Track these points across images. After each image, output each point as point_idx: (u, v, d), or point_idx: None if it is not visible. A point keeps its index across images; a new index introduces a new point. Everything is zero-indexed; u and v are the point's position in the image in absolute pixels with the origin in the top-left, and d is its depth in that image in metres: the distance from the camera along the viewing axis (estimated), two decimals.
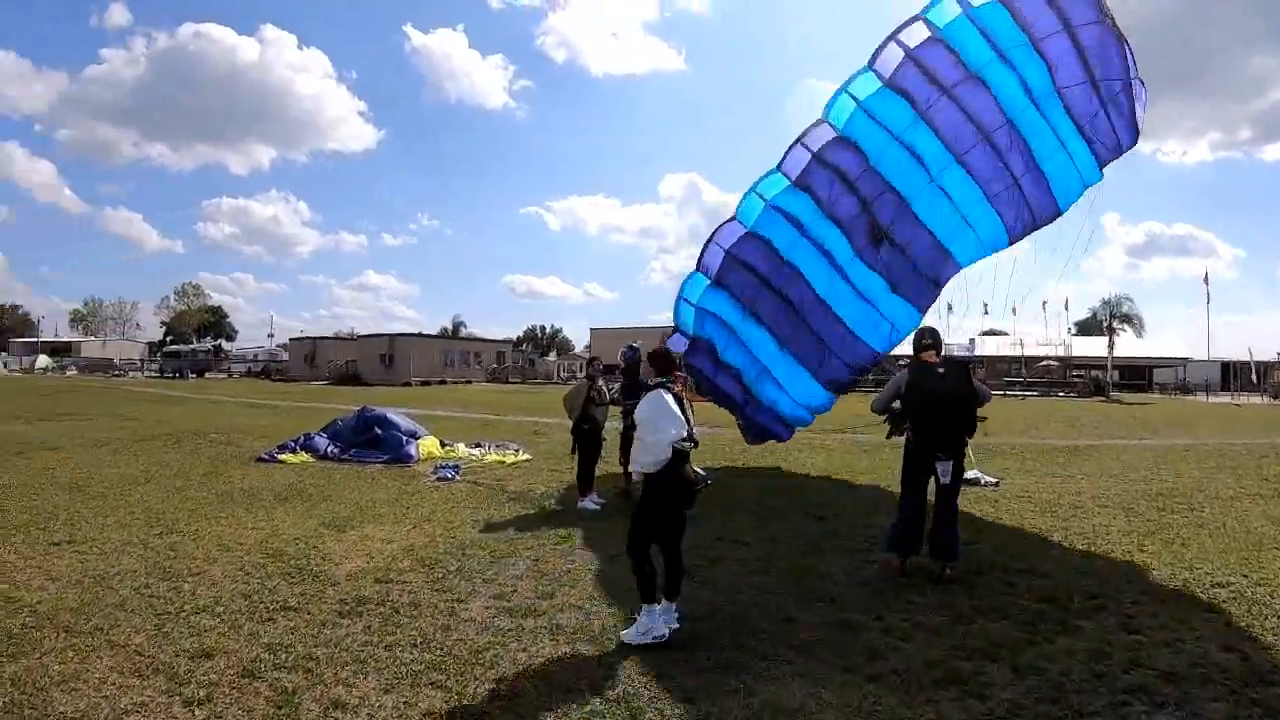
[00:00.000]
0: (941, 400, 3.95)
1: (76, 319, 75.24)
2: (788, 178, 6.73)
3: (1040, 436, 12.52)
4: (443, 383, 38.18)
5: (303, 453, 8.87)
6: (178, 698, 2.79)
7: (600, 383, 6.04)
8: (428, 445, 9.07)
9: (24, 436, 10.94)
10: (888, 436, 4.45)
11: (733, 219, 7.12)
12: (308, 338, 51.61)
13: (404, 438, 8.94)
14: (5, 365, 48.88)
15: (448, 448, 9.36)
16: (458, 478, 7.49)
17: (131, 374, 46.36)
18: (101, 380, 36.79)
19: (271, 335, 63.97)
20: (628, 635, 3.23)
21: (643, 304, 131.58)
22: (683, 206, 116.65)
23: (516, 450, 9.57)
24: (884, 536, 4.40)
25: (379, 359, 40.31)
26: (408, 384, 35.90)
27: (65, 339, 66.86)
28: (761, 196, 6.89)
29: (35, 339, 64.19)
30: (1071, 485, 7.45)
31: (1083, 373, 35.59)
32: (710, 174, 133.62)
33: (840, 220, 6.53)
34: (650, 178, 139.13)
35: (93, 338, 67.78)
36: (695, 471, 3.29)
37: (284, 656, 3.18)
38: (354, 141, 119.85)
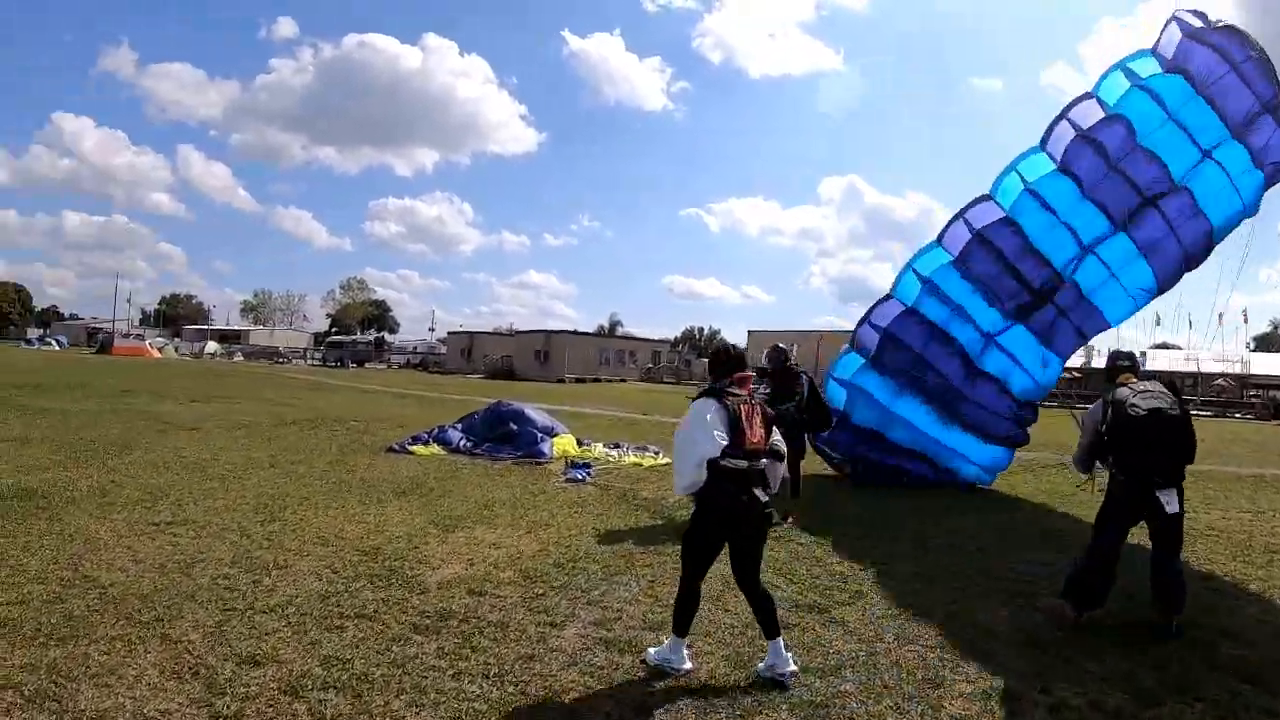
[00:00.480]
0: (1159, 424, 3.98)
1: (247, 309, 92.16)
2: (948, 252, 8.19)
3: (1221, 463, 12.77)
4: (597, 380, 43.00)
5: (434, 445, 9.81)
6: (207, 709, 2.93)
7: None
8: (563, 443, 9.78)
9: (171, 416, 13.27)
10: (1079, 487, 4.87)
11: (889, 297, 8.60)
12: (465, 332, 59.67)
13: (538, 434, 9.71)
14: (177, 349, 60.73)
15: (584, 447, 10.10)
16: (588, 480, 8.06)
17: (295, 361, 56.17)
18: (265, 366, 45.40)
19: (433, 329, 73.63)
20: (650, 654, 3.45)
21: (801, 307, 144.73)
22: (842, 209, 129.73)
23: (656, 453, 10.04)
24: (1064, 579, 4.36)
25: (534, 355, 45.81)
26: (562, 380, 40.67)
27: (235, 327, 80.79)
28: (918, 273, 8.35)
29: (206, 326, 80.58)
30: (1264, 523, 7.56)
31: (1260, 393, 36.81)
32: (870, 176, 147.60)
33: (998, 295, 7.90)
34: (809, 180, 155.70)
35: (261, 327, 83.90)
36: (756, 497, 3.27)
37: (337, 674, 3.28)
38: (515, 144, 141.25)
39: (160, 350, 56.20)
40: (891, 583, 4.99)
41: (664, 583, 4.67)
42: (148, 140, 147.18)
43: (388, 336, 75.99)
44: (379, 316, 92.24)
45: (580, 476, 8.18)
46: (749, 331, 51.84)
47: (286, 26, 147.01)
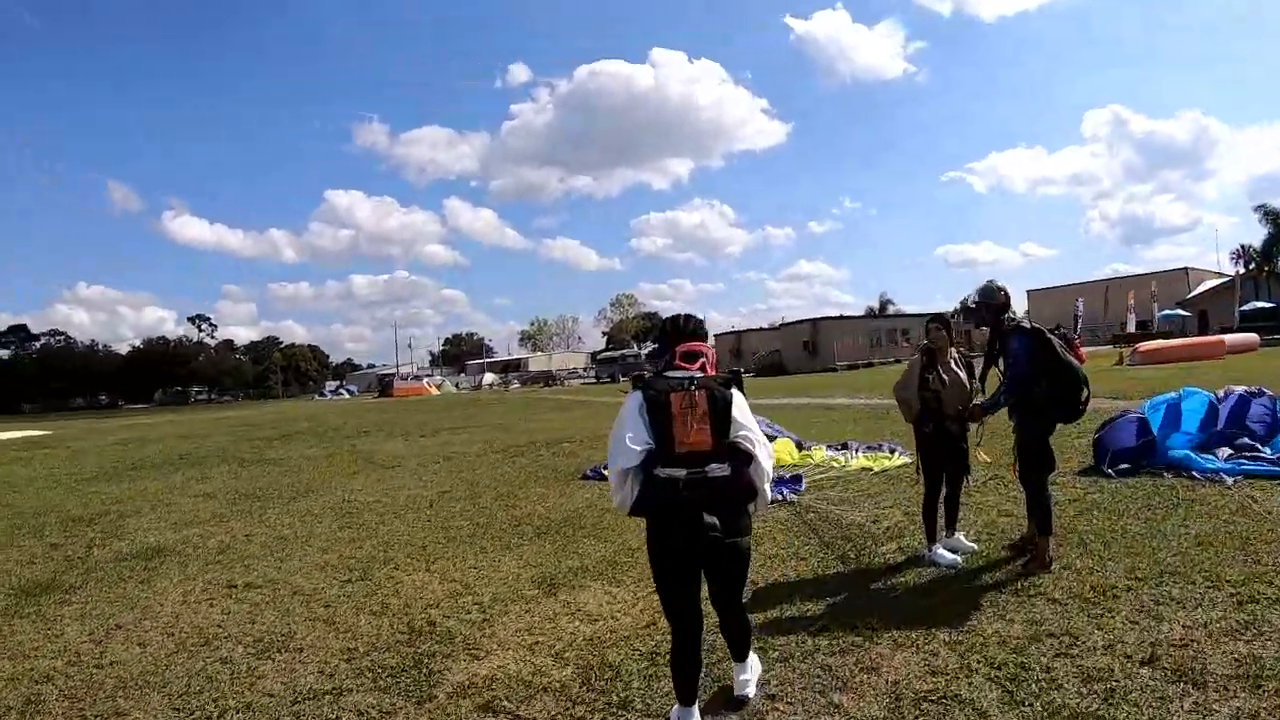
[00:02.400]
0: None
1: (525, 338, 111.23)
2: None
3: None
4: (869, 365, 45.36)
5: None
6: None
7: (953, 355, 5.54)
8: (779, 451, 9.55)
9: (382, 455, 15.02)
10: None
11: None
12: (732, 332, 68.54)
13: None
14: (457, 385, 75.02)
15: (805, 451, 10.13)
16: (793, 497, 7.70)
17: (568, 382, 66.49)
18: (531, 391, 54.20)
19: (710, 334, 79.92)
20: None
21: (1083, 259, 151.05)
22: (1111, 143, 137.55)
23: (893, 451, 9.85)
24: None
25: (802, 346, 50.38)
26: (832, 369, 44.48)
27: (515, 357, 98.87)
28: None
29: (485, 359, 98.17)
30: None
31: None
32: (1135, 102, 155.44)
33: None
34: (1068, 119, 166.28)
35: (539, 353, 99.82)
36: (702, 520, 2.95)
37: None
38: (763, 139, 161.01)
39: (438, 387, 67.87)
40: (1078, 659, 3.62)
41: (817, 682, 3.57)
42: (414, 200, 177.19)
43: None
44: (652, 328, 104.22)
45: (783, 494, 7.76)
46: (1028, 292, 54.86)
47: (519, 72, 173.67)
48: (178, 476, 13.46)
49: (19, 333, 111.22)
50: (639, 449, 2.96)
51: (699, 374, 3.10)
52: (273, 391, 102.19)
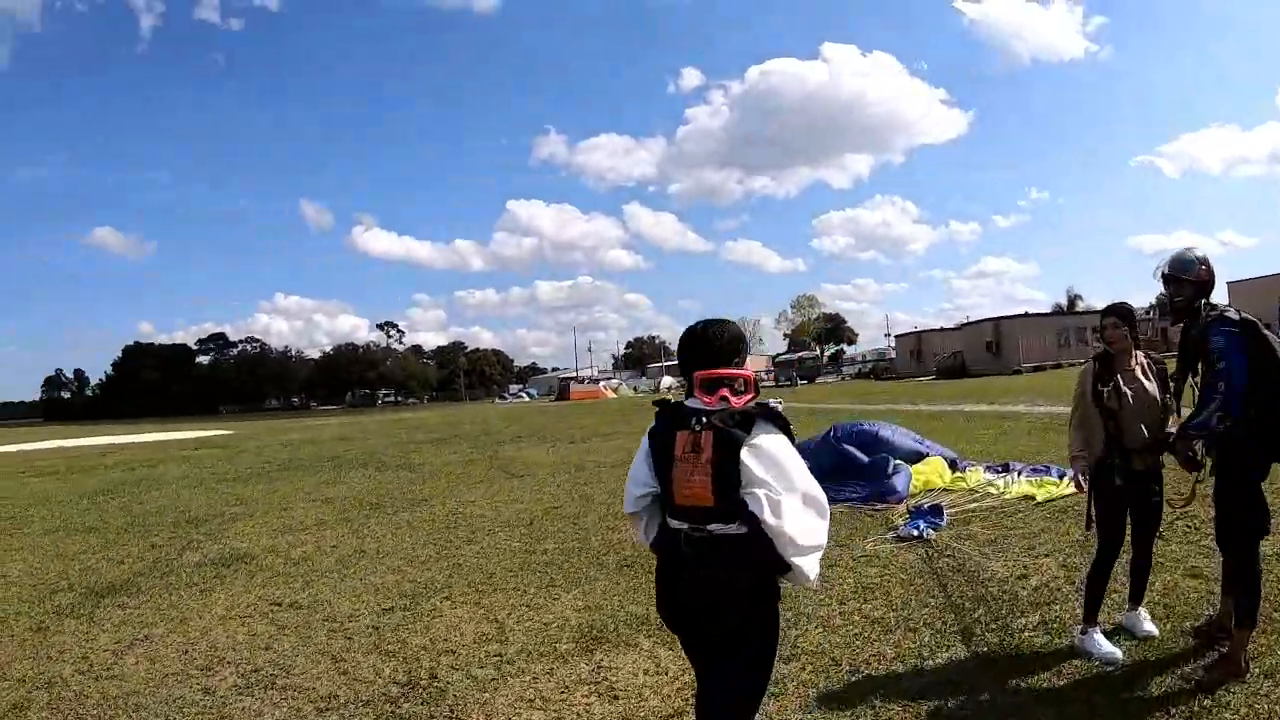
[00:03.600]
0: None
1: None
2: None
3: None
4: (1056, 366, 46.09)
5: None
6: None
7: (1139, 360, 4.43)
8: (927, 471, 9.39)
9: (519, 463, 15.60)
10: None
11: None
12: (912, 333, 70.88)
13: (890, 464, 9.23)
14: (635, 389, 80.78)
15: (958, 473, 9.56)
16: (932, 533, 7.12)
17: None
18: None
19: (887, 335, 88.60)
20: None
21: None
22: None
23: (1062, 476, 9.05)
24: None
25: (985, 347, 51.04)
26: (1017, 371, 45.45)
27: None
28: None
29: (664, 363, 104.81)
30: None
31: None
32: None
33: None
34: (1263, 91, 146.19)
35: None
36: (692, 585, 2.60)
37: None
38: (943, 130, 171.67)
39: (615, 391, 72.56)
40: None
41: None
42: (595, 207, 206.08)
43: (846, 348, 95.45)
44: (834, 330, 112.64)
45: (919, 529, 7.18)
46: (1228, 284, 51.39)
47: (691, 76, 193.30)
48: (312, 480, 14.53)
49: (218, 340, 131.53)
50: (639, 494, 2.73)
51: (717, 407, 2.57)
52: (458, 395, 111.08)
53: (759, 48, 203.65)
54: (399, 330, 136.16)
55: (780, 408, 2.60)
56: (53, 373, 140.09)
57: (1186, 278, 4.08)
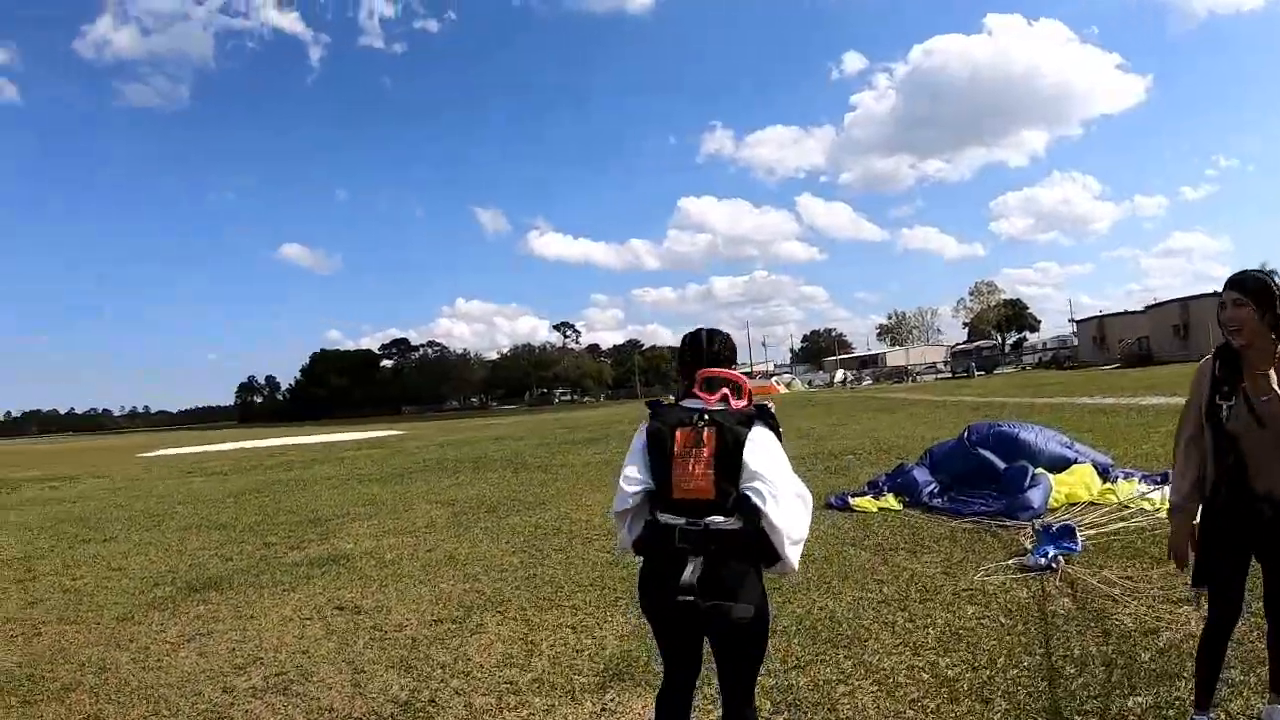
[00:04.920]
0: None
1: (883, 332, 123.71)
2: None
3: None
4: None
5: (889, 494, 9.58)
6: None
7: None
8: (1072, 482, 8.76)
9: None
10: None
11: None
12: (1094, 317, 69.51)
13: (1029, 474, 8.66)
14: (809, 383, 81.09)
15: (1108, 484, 8.85)
16: (1062, 564, 6.38)
17: (921, 377, 71.33)
18: (877, 388, 58.11)
19: (1071, 320, 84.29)
20: None
21: None
22: None
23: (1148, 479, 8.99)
24: None
25: (1173, 331, 49.76)
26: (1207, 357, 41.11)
27: (874, 352, 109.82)
28: None
29: (844, 356, 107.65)
30: None
31: None
32: None
33: None
34: None
35: (897, 347, 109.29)
36: (686, 581, 2.83)
37: None
38: (1121, 99, 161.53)
39: (787, 386, 72.67)
40: None
41: None
42: (767, 200, 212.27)
43: (1029, 336, 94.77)
44: (1015, 316, 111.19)
45: (1047, 555, 6.41)
46: None
47: (853, 61, 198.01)
48: (446, 481, 15.29)
49: (401, 345, 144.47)
50: (633, 490, 2.93)
51: (717, 406, 2.92)
52: (634, 393, 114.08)
53: (920, 25, 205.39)
54: (575, 330, 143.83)
55: (772, 409, 2.98)
56: (246, 379, 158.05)
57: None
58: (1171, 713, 3.68)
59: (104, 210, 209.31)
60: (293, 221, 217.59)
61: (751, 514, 2.82)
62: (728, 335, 3.18)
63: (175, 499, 15.30)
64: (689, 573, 2.80)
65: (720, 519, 2.82)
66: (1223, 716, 3.50)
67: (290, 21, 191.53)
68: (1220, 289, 3.19)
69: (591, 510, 10.49)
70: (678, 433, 2.88)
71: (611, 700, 4.47)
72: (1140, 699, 3.87)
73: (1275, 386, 2.97)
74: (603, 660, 5.07)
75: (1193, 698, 3.47)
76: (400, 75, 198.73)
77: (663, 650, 3.15)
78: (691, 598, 2.78)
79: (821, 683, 4.36)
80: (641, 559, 3.06)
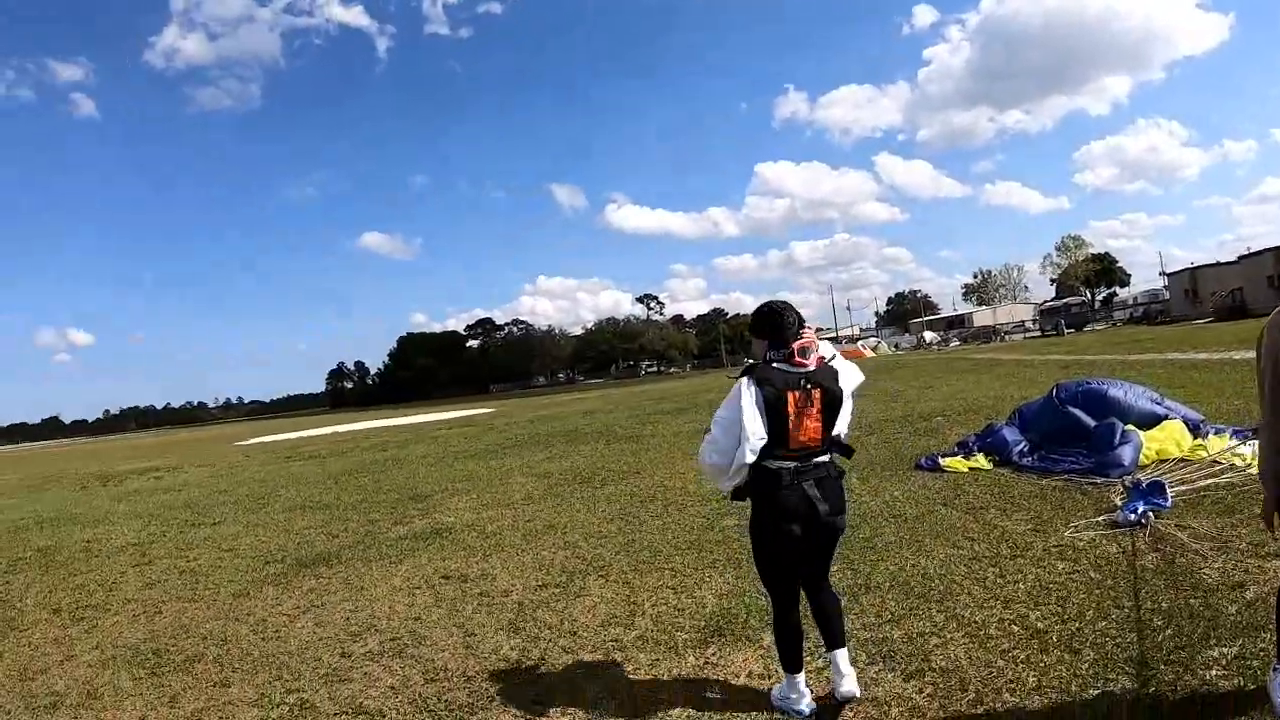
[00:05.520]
0: None
1: (969, 292, 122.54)
2: None
3: None
4: None
5: (979, 454, 9.61)
6: None
7: None
8: (1162, 438, 8.66)
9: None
10: None
11: None
12: (1185, 269, 68.38)
13: (1118, 431, 8.69)
14: (896, 346, 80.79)
15: (1199, 440, 8.63)
16: (1152, 519, 6.37)
17: (1009, 336, 71.07)
18: (965, 349, 58.32)
19: (1163, 273, 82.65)
20: (773, 694, 3.98)
21: None
22: None
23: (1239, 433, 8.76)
24: None
25: (1266, 281, 48.46)
26: None
27: (960, 312, 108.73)
28: None
29: (932, 317, 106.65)
30: None
31: None
32: None
33: None
34: None
35: (984, 307, 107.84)
36: (814, 503, 3.64)
37: None
38: (1203, 39, 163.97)
39: (874, 350, 72.26)
40: None
41: None
42: (844, 161, 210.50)
43: (1119, 291, 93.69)
44: (1105, 271, 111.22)
45: (1137, 511, 6.39)
46: None
47: (924, 14, 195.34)
48: (540, 454, 15.59)
49: (485, 324, 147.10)
50: (757, 446, 3.50)
51: (813, 368, 3.57)
52: (720, 362, 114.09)
53: None
54: (658, 302, 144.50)
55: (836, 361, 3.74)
56: (335, 366, 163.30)
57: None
58: (1255, 663, 3.69)
59: (186, 214, 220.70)
60: (372, 210, 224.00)
61: (843, 450, 3.76)
62: (793, 308, 3.82)
63: (277, 483, 16.00)
64: (819, 499, 3.57)
65: (824, 457, 3.63)
66: None
67: (354, 15, 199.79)
68: None
69: (685, 477, 10.57)
70: (789, 394, 3.50)
71: (714, 654, 4.59)
72: (1225, 649, 3.88)
73: None
74: (703, 618, 5.17)
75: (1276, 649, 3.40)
76: (468, 59, 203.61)
77: (785, 571, 3.78)
78: (831, 517, 3.60)
79: (915, 635, 4.44)
80: (751, 502, 3.69)
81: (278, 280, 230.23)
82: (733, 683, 4.21)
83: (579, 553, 7.15)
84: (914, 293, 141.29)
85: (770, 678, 4.20)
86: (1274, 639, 3.43)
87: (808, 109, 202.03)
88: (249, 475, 18.61)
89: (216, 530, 10.57)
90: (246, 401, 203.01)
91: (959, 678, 3.96)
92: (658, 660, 4.57)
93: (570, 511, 9.15)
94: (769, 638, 4.65)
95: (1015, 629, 4.45)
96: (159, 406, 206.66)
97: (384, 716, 4.12)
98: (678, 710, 3.89)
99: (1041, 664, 3.99)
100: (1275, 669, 3.32)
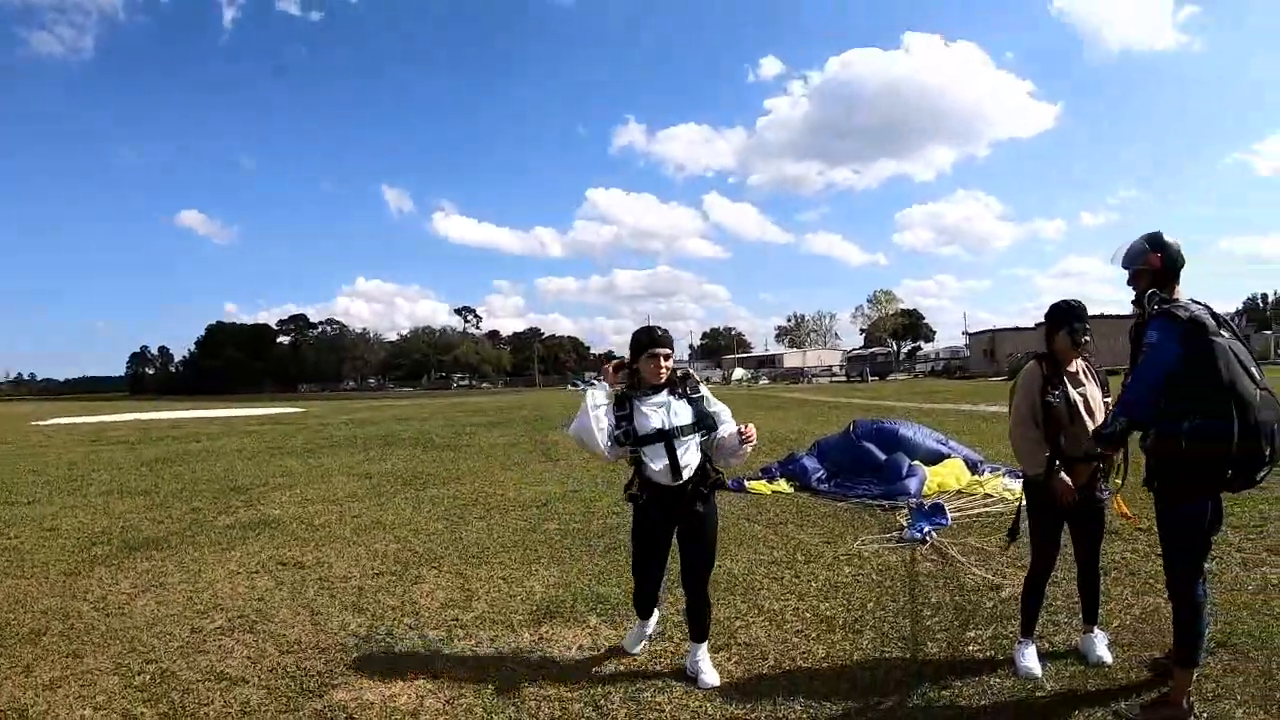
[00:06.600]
0: None
1: (781, 334, 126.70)
2: None
3: None
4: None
5: (781, 479, 10.13)
6: None
7: (1082, 364, 4.57)
8: (944, 474, 9.53)
9: (566, 446, 15.61)
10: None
11: None
12: (986, 331, 73.52)
13: (905, 465, 9.52)
14: (707, 379, 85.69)
15: (976, 477, 9.62)
16: (930, 537, 7.19)
17: (816, 380, 73.77)
18: (773, 388, 59.72)
19: (965, 333, 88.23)
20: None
21: None
22: None
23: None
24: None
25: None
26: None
27: (771, 352, 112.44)
28: None
29: (742, 355, 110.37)
30: None
31: None
32: None
33: None
34: None
35: (795, 349, 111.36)
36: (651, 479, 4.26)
37: None
38: (1030, 124, 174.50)
39: None
40: None
41: None
42: (675, 196, 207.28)
43: (923, 345, 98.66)
44: (911, 326, 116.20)
45: (919, 532, 7.19)
46: None
47: (770, 65, 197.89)
48: (359, 456, 15.48)
49: (299, 321, 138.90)
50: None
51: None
52: (532, 381, 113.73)
53: (840, 37, 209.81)
54: (476, 315, 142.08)
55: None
56: (138, 349, 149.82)
57: (1139, 267, 3.85)
58: (1005, 642, 4.54)
59: None
60: (193, 187, 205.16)
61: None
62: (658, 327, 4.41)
63: (88, 466, 15.07)
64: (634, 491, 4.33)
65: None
66: (1046, 646, 4.39)
67: None
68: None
69: (505, 486, 11.01)
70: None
71: (547, 631, 5.09)
72: (981, 632, 4.78)
73: (1084, 378, 4.27)
74: (534, 603, 5.66)
75: (1020, 629, 4.37)
76: (316, 44, 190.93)
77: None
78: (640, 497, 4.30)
79: (722, 619, 5.06)
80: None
81: (82, 250, 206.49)
82: (565, 654, 4.72)
83: (410, 547, 7.45)
84: (729, 330, 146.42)
85: (598, 650, 4.77)
86: (1019, 623, 4.39)
87: (645, 140, 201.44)
88: (55, 456, 17.30)
89: (32, 509, 10.04)
90: (39, 378, 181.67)
91: (760, 650, 4.67)
92: (497, 636, 5.03)
93: (396, 510, 9.37)
94: (595, 619, 5.28)
95: (808, 616, 5.20)
96: None
97: (247, 682, 4.34)
98: (520, 676, 4.36)
99: (829, 641, 4.75)
100: (1019, 643, 4.26)
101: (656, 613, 4.66)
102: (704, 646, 4.29)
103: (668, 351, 4.27)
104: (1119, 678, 4.06)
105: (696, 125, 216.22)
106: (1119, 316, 62.51)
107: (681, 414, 4.22)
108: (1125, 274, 3.91)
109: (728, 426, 4.29)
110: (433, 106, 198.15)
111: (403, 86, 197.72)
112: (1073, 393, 4.16)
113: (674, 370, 4.33)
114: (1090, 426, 4.06)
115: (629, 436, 4.16)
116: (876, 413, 21.43)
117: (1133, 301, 3.91)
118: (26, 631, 5.29)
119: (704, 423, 4.27)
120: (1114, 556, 6.01)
